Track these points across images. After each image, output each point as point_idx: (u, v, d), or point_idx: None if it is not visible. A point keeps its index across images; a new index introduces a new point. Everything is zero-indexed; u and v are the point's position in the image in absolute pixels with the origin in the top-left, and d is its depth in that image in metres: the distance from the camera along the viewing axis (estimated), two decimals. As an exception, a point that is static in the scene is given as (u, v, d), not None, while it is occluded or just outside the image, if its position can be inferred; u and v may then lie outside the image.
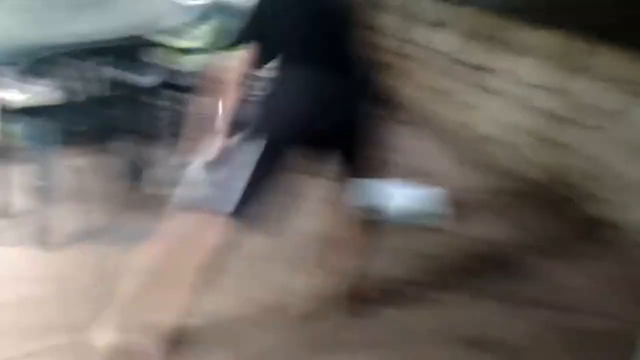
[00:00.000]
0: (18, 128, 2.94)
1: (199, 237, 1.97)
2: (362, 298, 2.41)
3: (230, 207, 1.94)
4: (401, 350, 2.22)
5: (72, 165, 3.41)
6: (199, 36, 3.27)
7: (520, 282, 2.61)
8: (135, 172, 3.10)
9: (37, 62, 2.55)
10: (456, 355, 2.21)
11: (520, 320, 2.39)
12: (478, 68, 3.84)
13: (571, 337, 2.31)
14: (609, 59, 2.97)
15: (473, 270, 2.70)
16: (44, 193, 2.68)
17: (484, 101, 3.83)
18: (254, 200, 1.95)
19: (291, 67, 2.03)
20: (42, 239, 2.70)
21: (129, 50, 2.74)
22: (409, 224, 2.98)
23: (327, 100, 2.02)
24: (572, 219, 3.12)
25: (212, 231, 1.96)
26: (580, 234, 2.99)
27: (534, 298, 2.52)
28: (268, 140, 1.95)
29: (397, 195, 3.07)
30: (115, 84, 2.68)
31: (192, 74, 3.59)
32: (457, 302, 2.48)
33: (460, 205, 3.17)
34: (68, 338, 2.18)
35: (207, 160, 2.07)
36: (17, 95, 2.83)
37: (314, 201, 2.35)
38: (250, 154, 1.95)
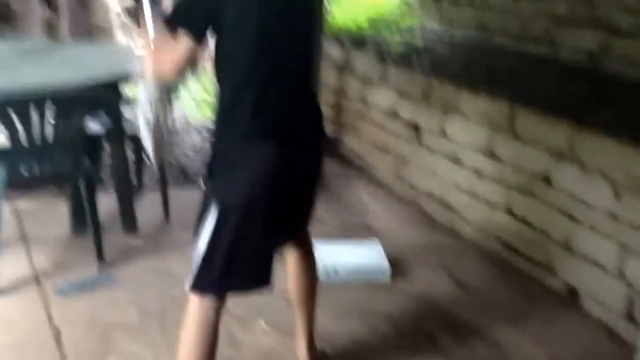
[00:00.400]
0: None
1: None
2: (319, 356, 2.41)
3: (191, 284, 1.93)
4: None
5: (18, 209, 3.41)
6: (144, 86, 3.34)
7: (468, 344, 2.64)
8: (81, 219, 3.12)
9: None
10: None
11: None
12: (412, 124, 4.05)
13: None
14: (533, 123, 3.21)
15: (421, 329, 2.73)
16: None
17: (420, 157, 4.02)
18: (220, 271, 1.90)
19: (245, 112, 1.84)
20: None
21: (80, 97, 2.79)
22: (353, 281, 3.03)
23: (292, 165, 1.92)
24: (511, 278, 3.19)
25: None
26: (521, 294, 3.04)
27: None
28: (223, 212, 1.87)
29: (343, 254, 3.16)
30: (65, 130, 2.72)
31: (137, 122, 3.67)
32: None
33: (402, 261, 3.25)
34: None
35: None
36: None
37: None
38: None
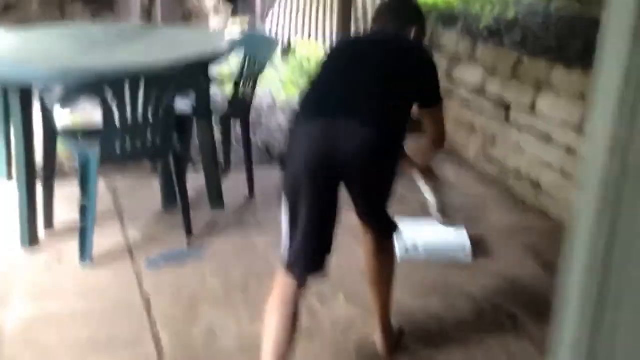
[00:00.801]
0: (66, 148, 3.14)
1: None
2: (394, 335, 2.43)
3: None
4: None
5: (114, 186, 3.61)
6: (232, 66, 3.42)
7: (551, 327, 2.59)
8: (171, 195, 3.26)
9: (85, 87, 2.72)
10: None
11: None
12: (501, 102, 3.94)
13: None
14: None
15: (503, 310, 2.68)
16: (86, 211, 2.85)
17: (509, 135, 3.91)
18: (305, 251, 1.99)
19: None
20: (83, 254, 2.86)
21: (170, 77, 2.89)
22: (436, 260, 3.01)
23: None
24: None
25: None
26: None
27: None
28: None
29: (424, 232, 3.14)
30: (155, 109, 2.83)
31: (225, 100, 3.77)
32: (490, 341, 2.48)
33: (486, 241, 3.20)
34: (123, 352, 2.31)
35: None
36: (66, 117, 3.02)
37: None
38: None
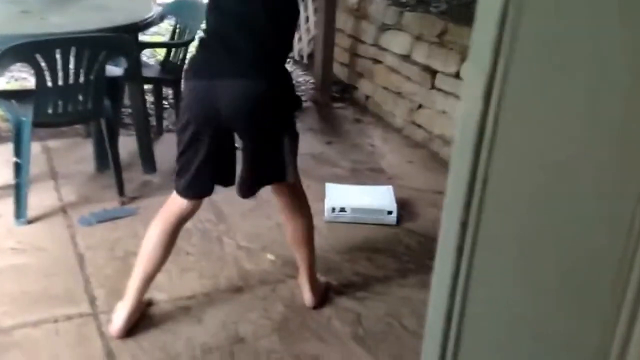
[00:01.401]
0: (3, 110, 3.18)
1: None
2: (320, 289, 2.59)
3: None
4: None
5: (48, 147, 3.67)
6: (162, 32, 3.50)
7: None
8: (104, 157, 3.35)
9: (16, 52, 2.77)
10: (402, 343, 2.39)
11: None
12: (426, 69, 4.14)
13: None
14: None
15: (426, 267, 2.86)
16: (20, 169, 2.92)
17: (435, 101, 4.12)
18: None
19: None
20: (18, 212, 2.94)
21: (99, 41, 2.97)
22: (363, 221, 3.17)
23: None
24: None
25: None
26: None
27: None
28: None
29: (351, 193, 3.30)
30: (86, 73, 2.91)
31: (157, 66, 3.85)
32: (414, 298, 2.60)
33: (412, 204, 3.36)
34: (59, 308, 2.41)
35: None
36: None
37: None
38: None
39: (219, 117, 2.11)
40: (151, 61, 4.58)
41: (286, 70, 2.29)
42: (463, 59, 3.82)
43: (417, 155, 4.07)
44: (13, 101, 3.07)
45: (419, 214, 3.31)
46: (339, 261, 2.86)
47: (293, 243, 2.50)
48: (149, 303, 2.48)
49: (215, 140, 2.16)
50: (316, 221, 2.57)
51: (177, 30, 3.80)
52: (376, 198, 3.30)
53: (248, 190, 2.33)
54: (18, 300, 2.45)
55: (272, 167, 2.27)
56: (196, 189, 2.27)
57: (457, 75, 3.87)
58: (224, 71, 2.11)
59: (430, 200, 3.38)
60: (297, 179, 2.36)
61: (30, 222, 2.96)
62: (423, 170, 3.84)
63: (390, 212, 3.20)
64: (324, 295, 2.61)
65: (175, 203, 2.27)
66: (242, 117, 2.14)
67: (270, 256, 2.86)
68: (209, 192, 2.30)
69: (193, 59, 2.27)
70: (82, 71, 2.90)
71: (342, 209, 3.19)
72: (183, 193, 2.25)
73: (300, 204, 2.42)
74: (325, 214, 3.16)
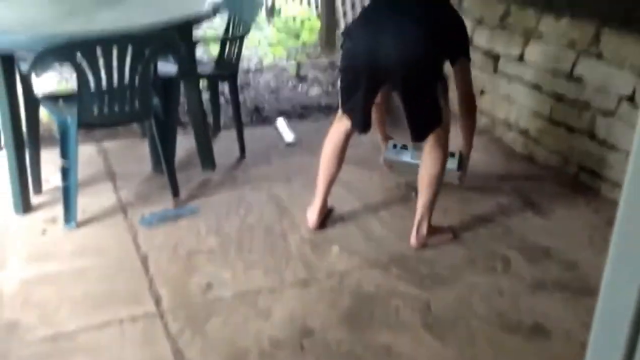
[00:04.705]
0: (48, 112, 3.12)
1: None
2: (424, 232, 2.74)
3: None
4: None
5: (105, 149, 3.61)
6: (215, 27, 3.40)
7: (541, 265, 2.65)
8: (159, 156, 3.26)
9: (54, 49, 2.67)
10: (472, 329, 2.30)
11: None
12: (488, 53, 3.94)
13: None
14: (617, 44, 3.05)
15: (498, 253, 2.78)
16: (68, 174, 2.83)
17: (497, 85, 3.92)
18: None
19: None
20: (68, 217, 2.85)
21: (147, 39, 2.86)
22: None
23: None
24: (590, 201, 3.16)
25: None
26: (601, 218, 3.00)
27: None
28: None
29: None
30: (132, 72, 2.80)
31: (211, 62, 3.75)
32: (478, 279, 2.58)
33: (476, 188, 3.27)
34: (123, 310, 2.32)
35: None
36: (48, 82, 3.00)
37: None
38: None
39: (379, 68, 2.48)
40: (205, 57, 4.49)
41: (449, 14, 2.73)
42: (526, 41, 3.62)
43: (479, 141, 3.88)
44: (60, 101, 2.98)
45: (479, 201, 3.17)
46: (404, 249, 2.74)
47: (420, 183, 2.70)
48: (331, 209, 2.97)
49: (369, 84, 2.58)
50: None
51: (232, 24, 3.69)
52: None
53: (419, 136, 2.67)
54: (80, 303, 2.36)
55: (430, 111, 2.62)
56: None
57: (520, 58, 3.68)
58: (389, 25, 2.46)
59: (493, 182, 3.35)
60: (447, 121, 2.70)
61: (89, 224, 2.88)
62: (485, 157, 3.66)
63: (452, 154, 3.04)
64: (432, 239, 2.75)
65: (342, 122, 2.74)
66: (405, 71, 2.49)
67: (335, 248, 2.73)
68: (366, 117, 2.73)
69: (361, 13, 2.76)
70: (126, 70, 2.77)
71: (404, 146, 3.23)
72: (347, 113, 2.72)
73: (439, 145, 2.65)
74: (386, 152, 3.30)
